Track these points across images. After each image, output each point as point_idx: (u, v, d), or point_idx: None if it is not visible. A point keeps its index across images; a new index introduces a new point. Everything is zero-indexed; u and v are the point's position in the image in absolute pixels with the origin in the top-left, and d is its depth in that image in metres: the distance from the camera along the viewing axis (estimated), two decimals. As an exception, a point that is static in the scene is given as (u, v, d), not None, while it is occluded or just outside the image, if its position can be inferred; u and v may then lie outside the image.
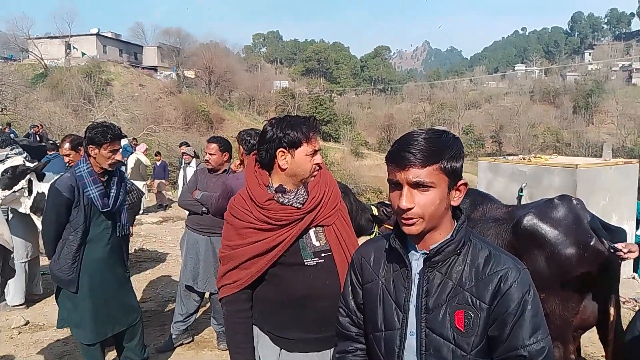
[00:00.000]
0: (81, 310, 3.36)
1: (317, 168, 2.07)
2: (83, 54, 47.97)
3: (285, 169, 2.02)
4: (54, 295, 3.52)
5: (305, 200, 2.03)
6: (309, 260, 2.03)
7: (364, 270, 1.60)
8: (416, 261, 1.47)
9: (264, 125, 2.09)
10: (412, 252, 1.49)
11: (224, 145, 4.34)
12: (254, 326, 2.11)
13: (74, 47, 48.86)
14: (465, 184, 1.44)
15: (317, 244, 2.06)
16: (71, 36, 49.39)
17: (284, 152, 2.00)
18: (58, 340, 4.58)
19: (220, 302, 2.15)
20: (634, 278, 6.64)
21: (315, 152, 2.05)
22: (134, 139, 17.95)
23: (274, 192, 2.03)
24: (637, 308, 5.25)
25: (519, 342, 1.35)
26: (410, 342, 1.45)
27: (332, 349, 2.06)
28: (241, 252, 2.03)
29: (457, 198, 1.44)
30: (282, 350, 2.06)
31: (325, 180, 2.12)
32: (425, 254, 1.45)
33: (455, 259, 1.44)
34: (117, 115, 32.85)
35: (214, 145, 4.30)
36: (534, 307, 1.38)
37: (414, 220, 1.39)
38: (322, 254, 2.05)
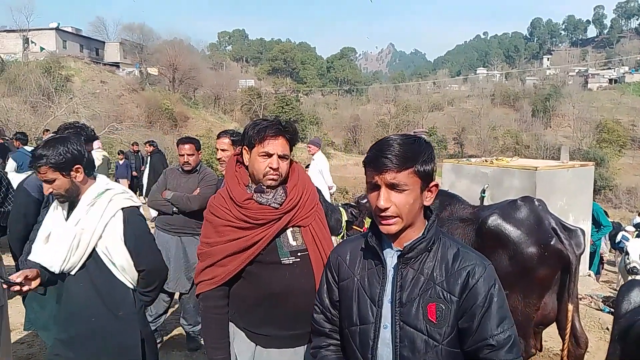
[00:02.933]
0: (49, 312, 3.31)
1: (271, 171, 2.07)
2: (42, 48, 46.44)
3: (247, 167, 2.14)
4: (21, 297, 3.45)
5: (283, 200, 2.10)
6: (286, 259, 2.09)
7: (340, 269, 1.69)
8: (390, 258, 1.58)
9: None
10: (388, 249, 1.59)
11: (199, 145, 4.38)
12: (230, 322, 2.16)
13: (32, 42, 47.22)
14: (436, 185, 1.56)
15: (293, 243, 2.12)
16: (29, 30, 47.69)
17: (245, 150, 2.13)
18: (23, 342, 4.49)
19: (198, 298, 2.19)
20: (589, 275, 6.95)
21: (268, 155, 2.06)
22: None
23: (253, 191, 2.10)
24: (592, 304, 5.51)
25: (487, 333, 1.46)
26: (384, 334, 1.54)
27: (306, 345, 2.13)
28: (219, 249, 2.08)
29: (429, 198, 1.56)
30: (258, 346, 2.12)
31: (303, 182, 2.19)
32: (400, 251, 1.55)
33: (427, 255, 1.55)
34: (78, 113, 31.90)
35: (190, 146, 4.28)
36: (499, 299, 1.49)
37: (393, 219, 1.50)
38: (299, 253, 2.11)
